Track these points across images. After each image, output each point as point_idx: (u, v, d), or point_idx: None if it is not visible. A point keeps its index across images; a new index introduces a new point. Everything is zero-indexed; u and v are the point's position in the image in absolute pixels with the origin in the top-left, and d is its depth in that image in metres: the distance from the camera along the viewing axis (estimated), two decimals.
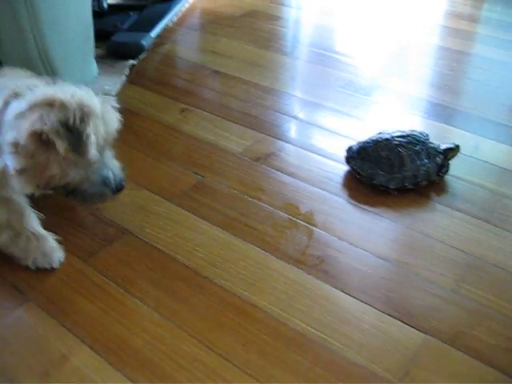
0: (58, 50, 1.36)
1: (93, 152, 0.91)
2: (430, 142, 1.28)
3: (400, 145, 1.25)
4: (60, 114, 0.88)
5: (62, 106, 0.89)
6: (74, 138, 0.88)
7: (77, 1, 1.41)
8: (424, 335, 0.91)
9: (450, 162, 1.29)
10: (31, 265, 1.02)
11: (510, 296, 0.99)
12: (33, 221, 1.05)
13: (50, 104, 0.89)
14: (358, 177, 1.26)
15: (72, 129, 0.88)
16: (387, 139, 1.27)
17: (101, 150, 0.97)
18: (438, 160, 1.25)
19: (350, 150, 1.30)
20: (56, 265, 1.03)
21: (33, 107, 0.89)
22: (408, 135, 1.27)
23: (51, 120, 0.87)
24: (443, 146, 1.29)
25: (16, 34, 1.30)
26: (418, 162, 1.23)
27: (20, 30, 1.29)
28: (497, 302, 0.98)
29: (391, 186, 1.22)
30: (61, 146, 0.87)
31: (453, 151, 1.29)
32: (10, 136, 0.88)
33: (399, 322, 0.93)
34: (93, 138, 0.90)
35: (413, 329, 0.92)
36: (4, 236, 1.01)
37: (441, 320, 0.94)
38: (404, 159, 1.23)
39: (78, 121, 0.89)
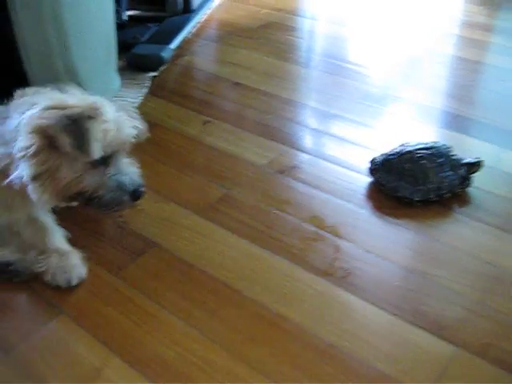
0: (83, 63, 1.38)
1: (96, 151, 0.92)
2: (453, 154, 1.29)
3: (423, 157, 1.26)
4: (66, 112, 0.91)
5: (69, 106, 0.92)
6: (76, 134, 0.91)
7: (101, 14, 1.44)
8: (454, 347, 0.92)
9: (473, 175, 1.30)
10: (51, 280, 1.03)
11: None
12: (57, 238, 1.07)
13: (59, 107, 0.92)
14: (381, 188, 1.27)
15: (75, 125, 0.90)
16: (410, 151, 1.28)
17: (112, 154, 0.98)
18: (462, 172, 1.26)
19: (373, 161, 1.32)
20: (74, 283, 1.03)
21: (43, 111, 0.92)
22: (431, 147, 1.28)
23: (55, 116, 0.89)
24: (466, 160, 1.29)
25: (43, 48, 1.32)
26: (442, 174, 1.24)
27: (47, 44, 1.31)
28: None
29: (415, 199, 1.23)
30: (64, 141, 0.89)
31: (475, 166, 1.29)
32: (20, 141, 0.91)
33: (428, 335, 0.94)
34: (97, 137, 0.92)
35: (442, 341, 0.93)
36: (30, 254, 1.04)
37: (470, 332, 0.95)
38: (428, 172, 1.24)
39: (82, 118, 0.91)
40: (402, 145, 1.32)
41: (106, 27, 1.47)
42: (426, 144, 1.30)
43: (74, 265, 1.04)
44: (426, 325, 0.96)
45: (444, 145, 1.31)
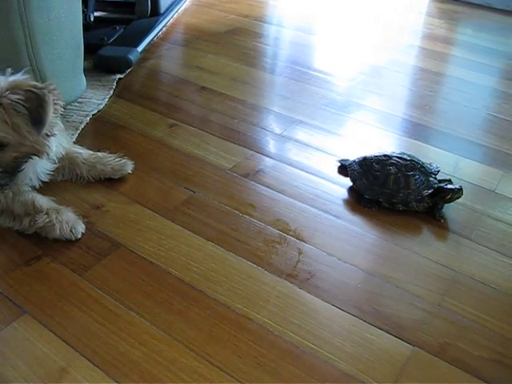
0: (51, 64, 1.38)
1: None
2: (431, 173, 1.32)
3: (394, 164, 1.30)
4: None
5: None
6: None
7: (69, 16, 1.43)
8: (412, 347, 0.95)
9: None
10: (59, 235, 1.12)
11: (491, 310, 1.04)
12: (45, 200, 1.16)
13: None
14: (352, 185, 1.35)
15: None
16: (388, 156, 1.34)
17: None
18: (425, 193, 1.27)
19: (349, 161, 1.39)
20: (79, 235, 1.14)
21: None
22: (410, 160, 1.32)
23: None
24: (441, 184, 1.30)
25: (10, 47, 1.31)
26: (402, 184, 1.28)
27: (14, 45, 1.31)
28: (479, 316, 1.03)
29: (366, 196, 1.29)
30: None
31: (455, 193, 1.28)
32: None
33: (388, 335, 0.97)
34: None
35: (401, 341, 0.96)
36: (24, 222, 1.12)
37: (428, 333, 0.98)
38: (388, 177, 1.28)
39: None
40: (386, 153, 1.37)
41: (73, 29, 1.46)
42: (407, 156, 1.34)
43: (75, 219, 1.15)
44: (386, 325, 0.99)
45: (426, 164, 1.35)
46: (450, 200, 1.27)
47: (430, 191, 1.27)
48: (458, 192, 1.27)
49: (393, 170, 1.29)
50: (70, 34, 1.45)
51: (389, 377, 0.90)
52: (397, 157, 1.33)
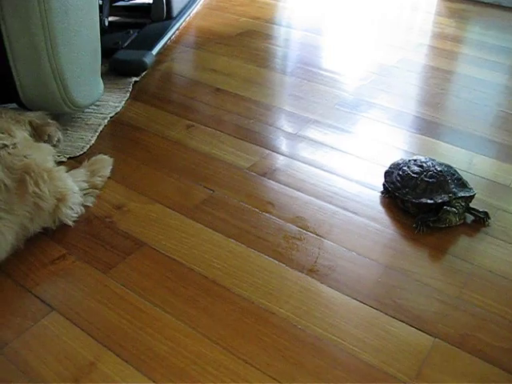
0: (71, 68, 1.41)
1: None
2: (456, 186, 1.28)
3: (417, 169, 1.32)
4: None
5: None
6: None
7: (88, 20, 1.46)
8: (433, 339, 0.97)
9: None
10: None
11: (510, 302, 1.06)
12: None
13: None
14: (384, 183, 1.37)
15: None
16: (421, 162, 1.34)
17: None
18: (437, 202, 1.25)
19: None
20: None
21: None
22: (441, 166, 1.31)
23: None
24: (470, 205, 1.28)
25: (31, 52, 1.34)
26: (420, 191, 1.28)
27: (35, 49, 1.33)
28: (498, 307, 1.04)
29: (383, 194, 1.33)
30: None
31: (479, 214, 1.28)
32: None
33: (409, 327, 0.99)
34: None
35: (423, 333, 0.98)
36: None
37: (448, 324, 1.00)
38: (405, 178, 1.30)
39: None
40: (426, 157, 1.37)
41: (92, 33, 1.49)
42: (438, 164, 1.33)
43: None
44: (407, 318, 1.01)
45: (456, 176, 1.31)
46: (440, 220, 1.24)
47: (430, 201, 1.25)
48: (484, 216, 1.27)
49: (411, 173, 1.31)
50: (88, 38, 1.47)
51: (412, 367, 0.92)
52: (425, 162, 1.33)
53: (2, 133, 1.15)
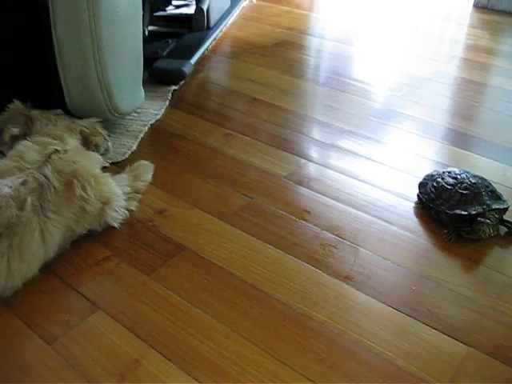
0: (115, 76, 1.46)
1: None
2: (489, 200, 1.30)
3: (451, 180, 1.34)
4: None
5: None
6: None
7: (132, 30, 1.52)
8: (467, 347, 0.99)
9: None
10: None
11: None
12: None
13: None
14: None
15: None
16: (455, 174, 1.37)
17: None
18: (469, 216, 1.28)
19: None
20: None
21: None
22: (475, 178, 1.34)
23: None
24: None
25: (79, 59, 1.40)
26: (453, 202, 1.30)
27: (83, 56, 1.39)
28: None
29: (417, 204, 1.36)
30: None
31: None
32: None
33: (443, 335, 1.02)
34: None
35: (456, 341, 1.01)
36: None
37: (482, 334, 1.02)
38: (439, 189, 1.33)
39: None
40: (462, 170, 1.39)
41: (136, 43, 1.55)
42: (472, 176, 1.35)
43: None
44: (441, 326, 1.04)
45: (489, 187, 1.33)
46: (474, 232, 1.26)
47: (464, 213, 1.28)
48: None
49: (445, 185, 1.34)
50: (132, 47, 1.53)
51: (445, 375, 0.94)
52: (460, 174, 1.36)
53: (55, 139, 1.21)
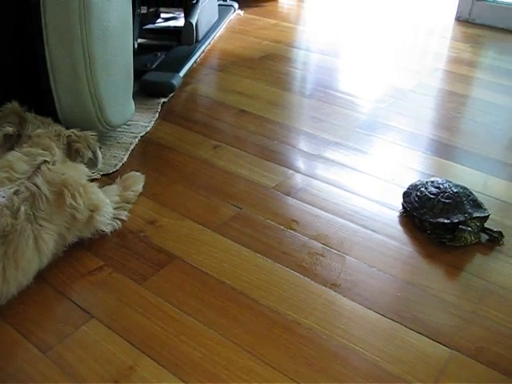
0: (107, 89, 1.49)
1: None
2: (470, 208, 1.34)
3: (434, 189, 1.39)
4: None
5: None
6: None
7: (124, 44, 1.55)
8: (450, 350, 1.03)
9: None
10: None
11: None
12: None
13: None
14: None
15: None
16: (437, 184, 1.41)
17: None
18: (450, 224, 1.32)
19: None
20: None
21: None
22: (456, 187, 1.38)
23: None
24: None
25: (71, 73, 1.43)
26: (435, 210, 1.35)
27: (75, 71, 1.42)
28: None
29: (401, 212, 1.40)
30: None
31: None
32: None
33: (428, 339, 1.05)
34: None
35: (440, 345, 1.04)
36: None
37: (464, 337, 1.06)
38: (422, 198, 1.37)
39: None
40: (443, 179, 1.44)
41: (126, 57, 1.58)
42: (454, 185, 1.39)
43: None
44: (425, 330, 1.07)
45: (470, 196, 1.37)
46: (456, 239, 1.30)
47: (447, 221, 1.32)
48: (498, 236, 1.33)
49: (428, 193, 1.39)
50: (123, 61, 1.57)
51: (430, 377, 0.98)
52: (441, 183, 1.40)
53: (44, 150, 1.24)
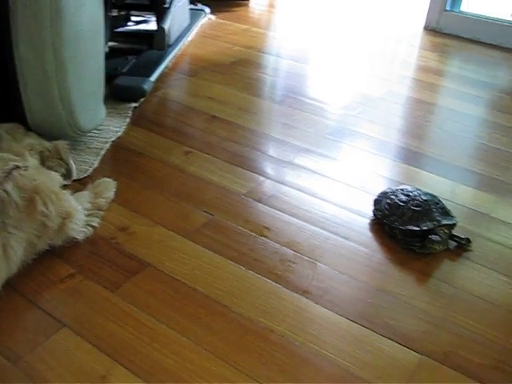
0: (77, 94, 1.48)
1: None
2: (439, 215, 1.37)
3: (404, 197, 1.41)
4: None
5: None
6: None
7: (95, 48, 1.54)
8: (420, 356, 1.05)
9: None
10: None
11: (490, 322, 1.15)
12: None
13: None
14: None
15: None
16: (407, 191, 1.44)
17: None
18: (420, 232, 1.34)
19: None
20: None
21: None
22: (425, 195, 1.41)
23: None
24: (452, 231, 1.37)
25: (41, 77, 1.41)
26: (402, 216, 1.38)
27: (45, 75, 1.40)
28: (479, 328, 1.13)
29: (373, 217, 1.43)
30: None
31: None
32: None
33: (398, 345, 1.07)
34: None
35: (410, 350, 1.06)
36: None
37: (434, 343, 1.08)
38: (392, 206, 1.40)
39: None
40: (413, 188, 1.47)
41: (97, 61, 1.57)
42: (423, 193, 1.42)
43: None
44: (395, 336, 1.09)
45: (438, 204, 1.40)
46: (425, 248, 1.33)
47: (416, 228, 1.35)
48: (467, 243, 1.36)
49: (397, 200, 1.41)
50: (94, 65, 1.55)
51: (401, 382, 1.00)
52: (411, 191, 1.43)
53: (16, 155, 1.22)
